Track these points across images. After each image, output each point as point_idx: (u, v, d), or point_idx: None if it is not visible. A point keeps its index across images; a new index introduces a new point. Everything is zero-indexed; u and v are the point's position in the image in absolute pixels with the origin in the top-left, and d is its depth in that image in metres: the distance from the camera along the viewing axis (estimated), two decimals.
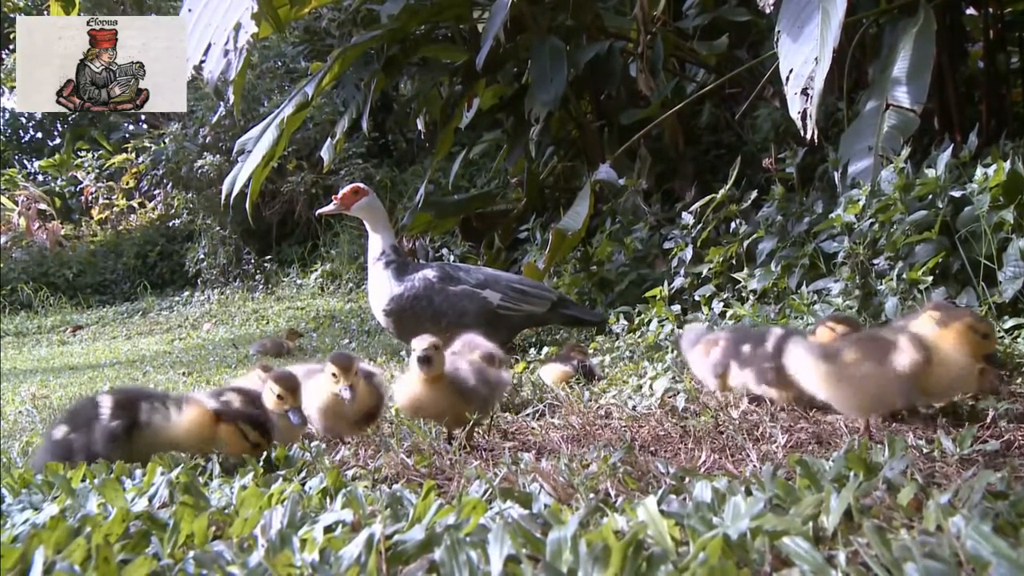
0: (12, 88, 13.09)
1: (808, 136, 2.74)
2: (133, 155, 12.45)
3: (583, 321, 3.82)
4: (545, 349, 3.48)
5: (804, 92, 2.75)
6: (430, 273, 3.58)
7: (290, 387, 1.88)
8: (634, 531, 0.93)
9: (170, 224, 12.15)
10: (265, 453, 1.74)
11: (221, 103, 8.79)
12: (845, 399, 1.71)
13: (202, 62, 4.47)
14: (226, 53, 4.28)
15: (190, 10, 4.48)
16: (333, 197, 3.68)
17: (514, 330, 3.72)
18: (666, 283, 3.58)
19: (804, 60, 2.78)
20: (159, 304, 10.64)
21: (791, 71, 2.82)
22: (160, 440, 1.74)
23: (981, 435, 1.60)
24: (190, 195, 10.86)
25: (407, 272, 3.60)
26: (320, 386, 1.99)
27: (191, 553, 1.04)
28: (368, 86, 5.55)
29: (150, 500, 1.37)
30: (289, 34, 9.59)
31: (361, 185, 3.69)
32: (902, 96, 3.24)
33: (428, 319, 3.51)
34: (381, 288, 3.59)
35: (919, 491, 1.08)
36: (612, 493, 1.31)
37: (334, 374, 1.94)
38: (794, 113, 2.79)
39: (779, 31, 2.95)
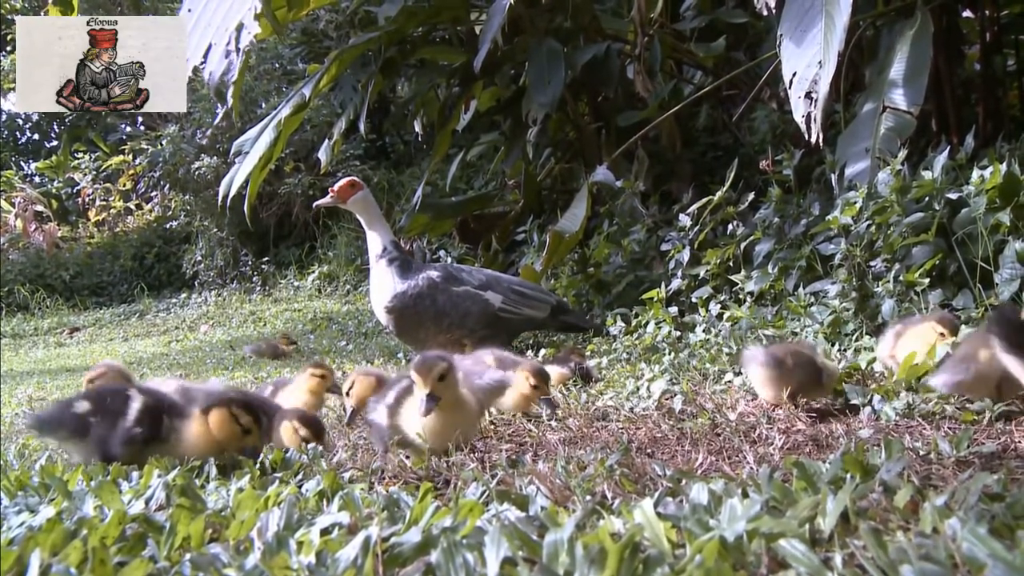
0: (11, 89, 13.07)
1: (813, 140, 2.74)
2: (130, 157, 12.45)
3: (579, 327, 3.83)
4: (543, 351, 3.48)
5: (808, 96, 2.75)
6: (433, 273, 3.57)
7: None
8: (631, 533, 0.93)
9: (167, 226, 12.14)
10: (255, 444, 1.72)
11: (220, 106, 8.76)
12: None
13: (202, 63, 4.46)
14: (227, 54, 4.26)
15: (190, 10, 4.46)
16: (330, 190, 3.67)
17: (513, 333, 3.72)
18: (663, 285, 3.58)
19: (807, 64, 2.78)
20: (156, 306, 10.63)
21: (794, 75, 2.82)
22: (177, 450, 1.74)
23: (977, 437, 1.60)
24: (187, 197, 10.85)
25: (410, 270, 3.59)
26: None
27: (188, 556, 1.04)
28: (366, 88, 5.55)
29: (147, 503, 1.37)
30: (287, 36, 9.59)
31: (356, 179, 3.69)
32: (899, 98, 3.24)
33: (430, 319, 3.50)
34: (384, 285, 3.57)
35: (915, 493, 1.08)
36: (609, 495, 1.31)
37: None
38: (798, 117, 2.79)
39: (781, 34, 2.95)
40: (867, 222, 2.78)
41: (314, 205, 3.94)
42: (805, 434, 1.76)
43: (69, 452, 1.83)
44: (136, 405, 1.76)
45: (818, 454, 1.61)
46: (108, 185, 13.56)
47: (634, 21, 4.94)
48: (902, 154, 2.80)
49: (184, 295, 10.87)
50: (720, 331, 3.05)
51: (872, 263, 2.77)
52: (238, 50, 4.21)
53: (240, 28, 4.12)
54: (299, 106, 4.94)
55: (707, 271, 3.56)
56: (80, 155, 14.35)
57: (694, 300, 3.57)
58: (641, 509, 1.04)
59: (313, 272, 9.60)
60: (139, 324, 9.54)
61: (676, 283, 3.73)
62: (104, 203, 13.50)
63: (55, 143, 17.20)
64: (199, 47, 4.34)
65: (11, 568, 1.00)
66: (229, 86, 4.41)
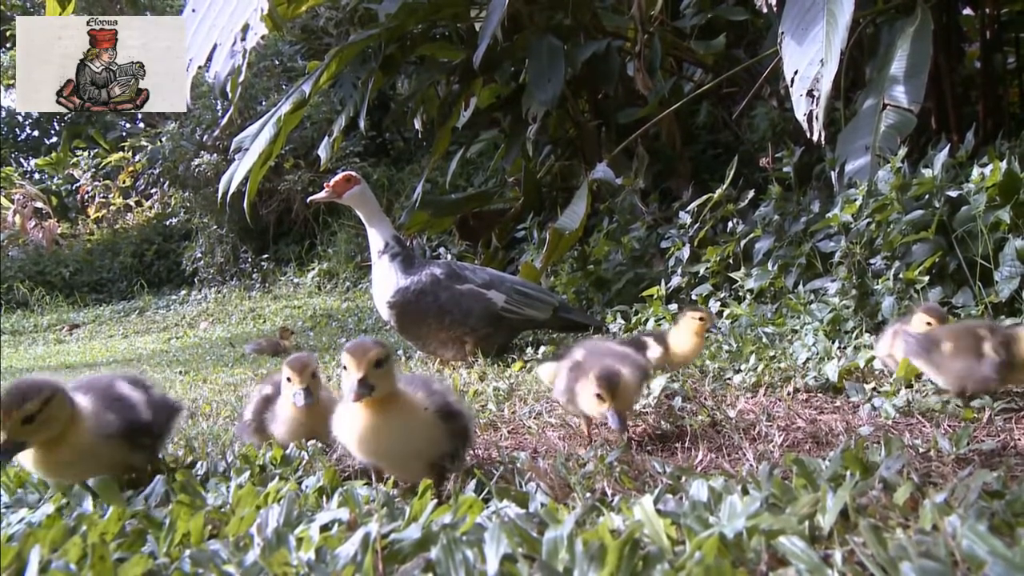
0: (9, 86, 13.07)
1: (815, 138, 2.74)
2: (130, 154, 12.45)
3: (582, 326, 3.83)
4: (543, 348, 3.48)
5: (810, 94, 2.75)
6: (437, 270, 3.56)
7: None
8: (630, 530, 0.93)
9: (167, 223, 12.16)
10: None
11: (220, 107, 8.73)
12: None
13: (206, 65, 4.42)
14: (233, 55, 4.24)
15: (194, 10, 4.45)
16: (325, 185, 3.65)
17: (514, 332, 3.72)
18: (663, 282, 3.59)
19: (809, 62, 2.78)
20: (156, 303, 10.63)
21: (796, 73, 2.82)
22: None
23: (977, 434, 1.61)
24: (187, 194, 10.85)
25: (413, 266, 3.58)
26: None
27: (187, 552, 1.04)
28: (365, 85, 5.55)
29: (146, 499, 1.37)
30: (287, 32, 9.58)
31: (353, 173, 3.66)
32: (899, 95, 3.24)
33: (432, 315, 3.49)
34: (387, 280, 3.56)
35: (915, 490, 1.08)
36: (608, 492, 1.31)
37: (288, 378, 1.71)
38: (800, 115, 2.79)
39: (783, 33, 2.95)
40: (867, 220, 2.78)
41: (308, 200, 3.91)
42: (804, 431, 1.76)
43: None
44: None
45: (818, 451, 1.61)
46: (108, 182, 13.57)
47: (634, 18, 4.93)
48: (902, 151, 2.81)
49: (184, 292, 10.87)
50: (720, 328, 3.05)
51: (872, 261, 2.77)
52: (244, 51, 4.19)
53: (246, 29, 4.10)
54: (299, 103, 4.93)
55: (707, 268, 3.56)
56: (80, 152, 14.36)
57: (694, 297, 3.57)
58: (641, 506, 1.04)
59: (313, 269, 9.61)
60: (139, 321, 9.54)
61: (676, 280, 3.73)
62: (104, 200, 13.51)
63: (55, 140, 17.21)
64: (204, 48, 4.31)
65: (11, 564, 1.00)
66: (237, 87, 4.39)
